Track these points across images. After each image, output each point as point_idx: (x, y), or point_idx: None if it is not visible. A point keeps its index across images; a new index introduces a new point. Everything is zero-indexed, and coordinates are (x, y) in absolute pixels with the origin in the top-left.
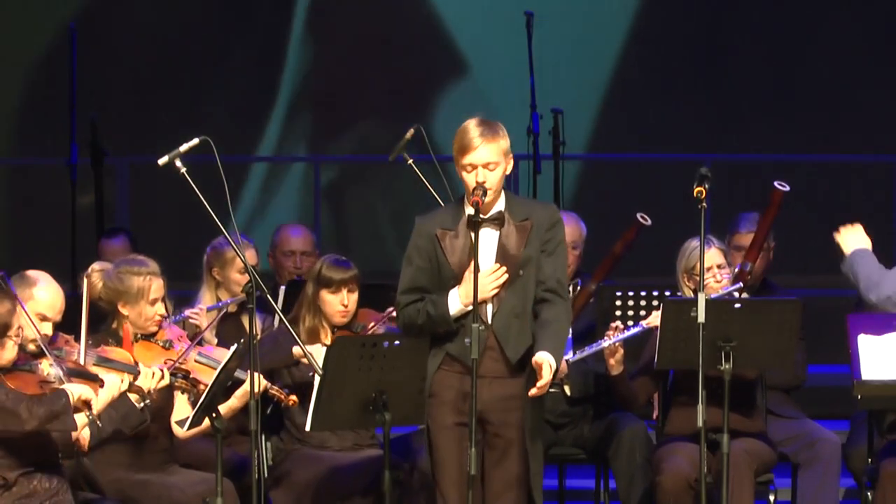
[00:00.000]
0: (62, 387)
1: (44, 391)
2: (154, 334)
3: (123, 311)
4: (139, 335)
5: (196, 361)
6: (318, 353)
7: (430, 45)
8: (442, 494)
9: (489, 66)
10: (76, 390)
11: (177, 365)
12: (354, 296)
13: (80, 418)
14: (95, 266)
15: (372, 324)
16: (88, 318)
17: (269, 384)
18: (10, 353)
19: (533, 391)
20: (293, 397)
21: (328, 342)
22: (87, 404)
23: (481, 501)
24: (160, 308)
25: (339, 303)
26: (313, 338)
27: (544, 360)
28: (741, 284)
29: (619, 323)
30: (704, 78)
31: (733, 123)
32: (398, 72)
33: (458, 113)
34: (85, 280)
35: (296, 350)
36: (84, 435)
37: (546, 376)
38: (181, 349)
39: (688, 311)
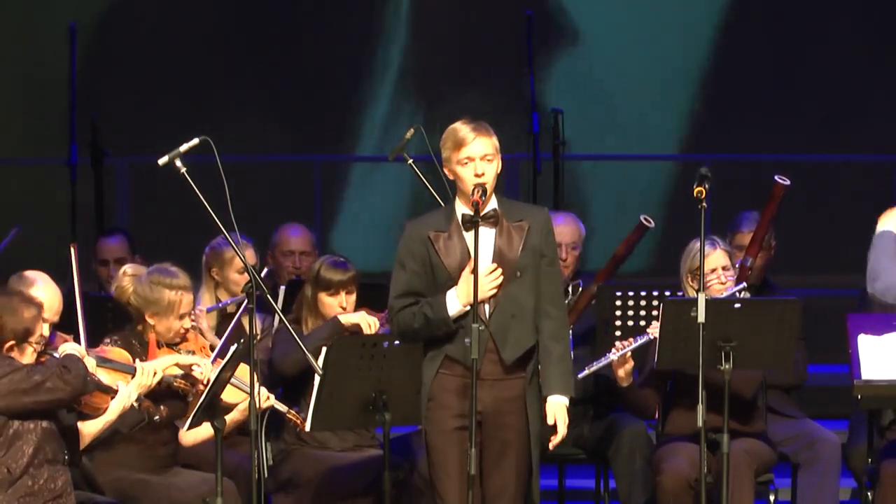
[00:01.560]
0: (62, 350)
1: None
2: (178, 343)
3: (151, 321)
4: (162, 342)
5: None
6: (359, 318)
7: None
8: (441, 498)
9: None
10: (71, 348)
11: (206, 385)
12: (353, 297)
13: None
14: (128, 269)
15: None
16: (91, 318)
17: (287, 409)
18: (28, 359)
19: (550, 446)
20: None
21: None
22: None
23: (481, 502)
24: (187, 322)
25: (338, 305)
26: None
27: (558, 409)
28: (745, 285)
29: (625, 340)
30: (704, 78)
31: (733, 123)
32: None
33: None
34: (77, 283)
35: (344, 319)
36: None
37: (562, 430)
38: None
39: (688, 311)
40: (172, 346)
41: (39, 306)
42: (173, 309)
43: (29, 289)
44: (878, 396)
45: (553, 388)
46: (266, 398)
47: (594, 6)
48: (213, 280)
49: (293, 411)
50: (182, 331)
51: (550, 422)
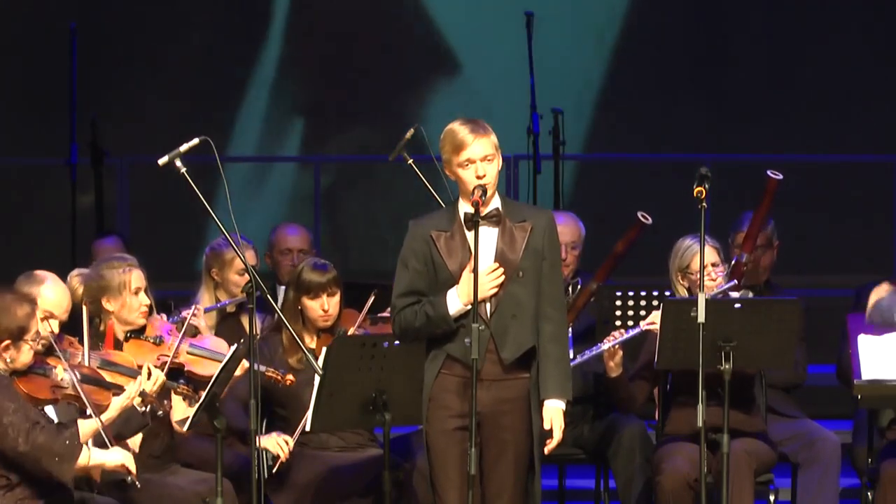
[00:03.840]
0: (90, 452)
1: (55, 396)
2: (143, 330)
3: (108, 306)
4: (129, 333)
5: (189, 353)
6: (269, 442)
7: (419, 42)
8: (441, 498)
9: (483, 65)
10: (109, 458)
11: (170, 360)
12: (335, 299)
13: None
14: (74, 272)
15: (352, 328)
16: (71, 323)
17: (265, 368)
18: (25, 356)
19: (546, 450)
20: (290, 377)
21: (313, 345)
22: (125, 468)
23: (481, 502)
24: (144, 298)
25: (320, 307)
26: (295, 345)
27: (555, 414)
28: (735, 282)
29: (616, 332)
30: (704, 78)
31: (733, 123)
32: (388, 72)
33: (450, 113)
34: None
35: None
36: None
37: (557, 436)
38: (172, 343)
39: (688, 311)
40: (138, 335)
41: (33, 303)
42: (126, 284)
43: (38, 286)
44: (878, 396)
45: (550, 391)
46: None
47: (593, 4)
48: (213, 280)
49: (272, 369)
50: (143, 310)
51: (547, 426)
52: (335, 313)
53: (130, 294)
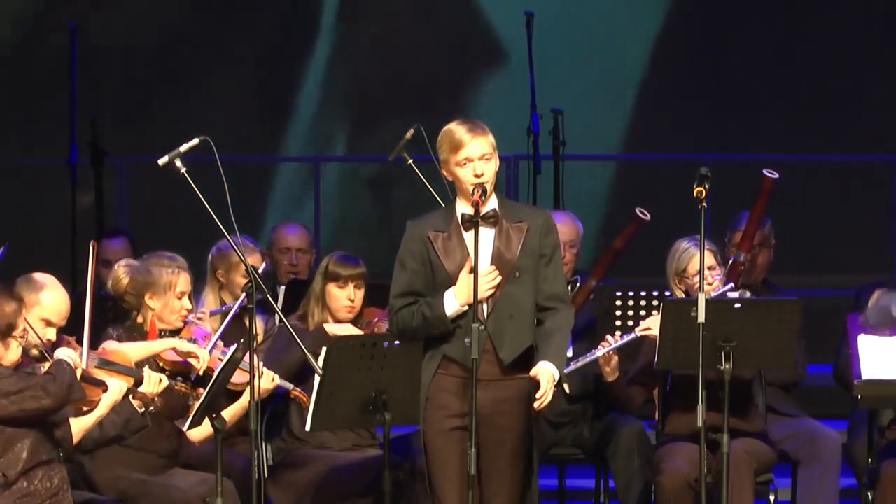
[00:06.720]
0: (56, 357)
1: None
2: (179, 331)
3: (150, 303)
4: (164, 333)
5: (220, 360)
6: (344, 330)
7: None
8: (439, 498)
9: (484, 65)
10: (64, 354)
11: (205, 366)
12: (361, 293)
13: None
14: (122, 263)
15: (376, 319)
16: (93, 318)
17: (293, 386)
18: (14, 353)
19: (536, 405)
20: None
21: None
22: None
23: (479, 502)
24: (186, 303)
25: (346, 297)
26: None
27: (542, 371)
28: (732, 284)
29: (611, 337)
30: (705, 78)
31: (733, 123)
32: (432, 66)
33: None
34: (91, 281)
35: (329, 328)
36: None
37: (545, 387)
38: (206, 345)
39: (688, 312)
40: (174, 335)
41: (20, 300)
42: (171, 286)
43: (38, 292)
44: (878, 396)
45: (546, 356)
46: (271, 379)
47: (594, 4)
48: (218, 282)
49: (298, 389)
50: (183, 313)
51: (532, 374)
52: (359, 307)
53: (174, 296)
